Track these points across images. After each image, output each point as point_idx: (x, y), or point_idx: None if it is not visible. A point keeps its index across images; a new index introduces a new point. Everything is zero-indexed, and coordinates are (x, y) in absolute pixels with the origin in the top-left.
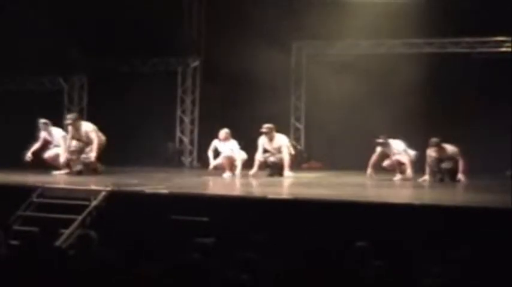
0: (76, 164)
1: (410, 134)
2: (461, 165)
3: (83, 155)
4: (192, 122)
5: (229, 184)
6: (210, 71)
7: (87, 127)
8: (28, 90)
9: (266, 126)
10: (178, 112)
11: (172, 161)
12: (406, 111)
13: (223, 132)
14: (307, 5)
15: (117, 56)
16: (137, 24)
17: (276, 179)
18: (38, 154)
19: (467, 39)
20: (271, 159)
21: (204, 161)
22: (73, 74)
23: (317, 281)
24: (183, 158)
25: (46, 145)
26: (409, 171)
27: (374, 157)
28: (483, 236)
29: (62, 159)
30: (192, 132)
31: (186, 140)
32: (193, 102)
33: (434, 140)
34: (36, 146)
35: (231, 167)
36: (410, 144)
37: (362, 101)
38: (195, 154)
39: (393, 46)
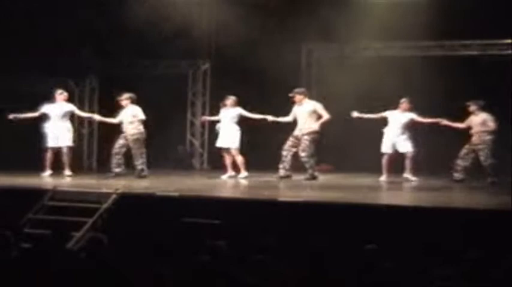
0: (116, 167)
1: (421, 134)
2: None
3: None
4: (202, 125)
5: (239, 186)
6: (221, 74)
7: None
8: (38, 93)
9: (295, 91)
10: (189, 115)
11: (183, 163)
12: (417, 113)
13: (231, 99)
14: (317, 7)
15: (128, 59)
16: (148, 27)
17: (286, 181)
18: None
19: (478, 41)
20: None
21: (214, 164)
22: (84, 76)
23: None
24: (193, 161)
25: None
26: None
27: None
28: (493, 238)
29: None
30: (202, 135)
31: (196, 143)
32: (203, 106)
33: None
34: (30, 115)
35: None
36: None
37: (373, 103)
38: (205, 156)
39: (404, 48)
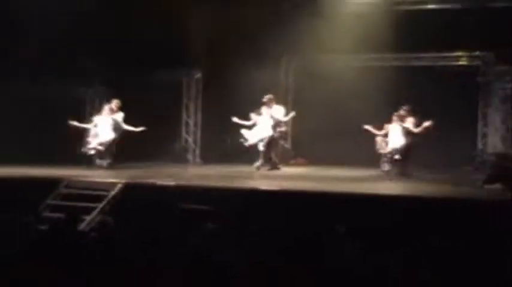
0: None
1: None
2: None
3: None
4: (195, 124)
5: (227, 177)
6: (211, 81)
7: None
8: (56, 97)
9: (266, 97)
10: (184, 116)
11: (179, 158)
12: (379, 114)
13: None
14: (295, 25)
15: (132, 68)
16: (150, 41)
17: (270, 172)
18: None
19: (430, 54)
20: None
21: (205, 158)
22: (93, 83)
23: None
24: (187, 156)
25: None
26: None
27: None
28: (449, 225)
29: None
30: (195, 133)
31: (190, 140)
32: (196, 108)
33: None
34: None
35: None
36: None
37: (341, 107)
38: (197, 152)
39: (367, 60)
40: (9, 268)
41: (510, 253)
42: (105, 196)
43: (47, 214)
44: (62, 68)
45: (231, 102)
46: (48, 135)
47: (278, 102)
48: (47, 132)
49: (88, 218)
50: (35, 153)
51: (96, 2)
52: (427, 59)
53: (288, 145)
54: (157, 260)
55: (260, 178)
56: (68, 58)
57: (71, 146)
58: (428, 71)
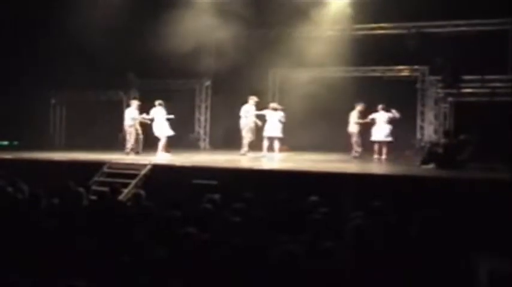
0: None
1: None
2: None
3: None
4: (205, 120)
5: (229, 159)
6: (217, 88)
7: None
8: (102, 101)
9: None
10: (197, 114)
11: (193, 145)
12: (344, 111)
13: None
14: (280, 44)
15: (157, 78)
16: (170, 56)
17: (260, 156)
18: None
19: (381, 67)
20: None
21: (213, 146)
22: (129, 89)
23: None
24: (199, 143)
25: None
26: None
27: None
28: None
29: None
30: (205, 127)
31: (201, 132)
32: (206, 108)
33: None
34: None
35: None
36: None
37: (316, 106)
38: (207, 140)
39: (334, 72)
40: (68, 223)
41: (437, 211)
42: (137, 174)
43: (94, 187)
44: (108, 79)
45: (231, 103)
46: (97, 128)
47: (266, 103)
48: (96, 126)
49: (125, 191)
50: (87, 141)
51: (131, 28)
52: (378, 71)
53: None
54: (176, 221)
55: (252, 161)
56: (112, 72)
57: (112, 137)
58: (379, 80)
